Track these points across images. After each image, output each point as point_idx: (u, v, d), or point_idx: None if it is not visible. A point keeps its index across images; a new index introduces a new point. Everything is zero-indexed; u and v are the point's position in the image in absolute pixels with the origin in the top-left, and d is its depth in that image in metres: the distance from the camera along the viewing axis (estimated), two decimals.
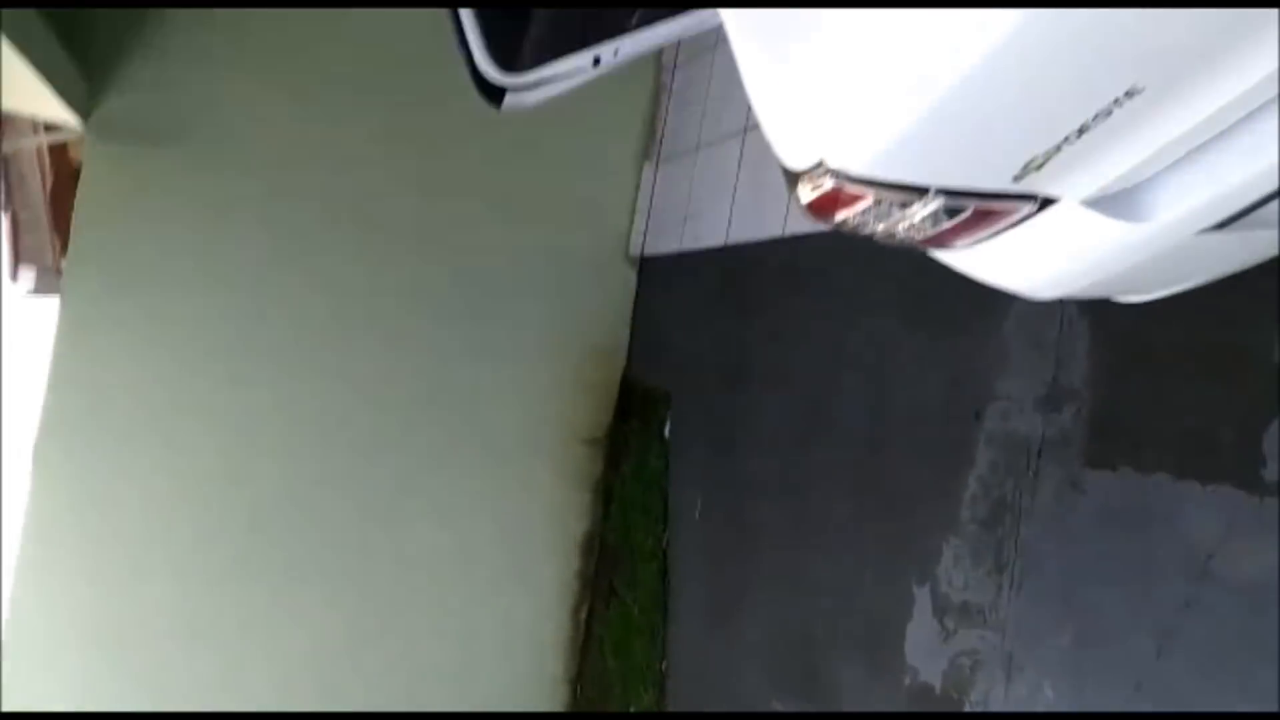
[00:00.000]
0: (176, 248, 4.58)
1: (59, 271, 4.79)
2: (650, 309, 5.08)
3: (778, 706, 3.43)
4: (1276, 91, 1.22)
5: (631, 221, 5.20)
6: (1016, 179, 1.35)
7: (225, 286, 4.63)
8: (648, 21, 2.66)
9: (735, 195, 4.22)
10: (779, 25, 1.51)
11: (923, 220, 1.45)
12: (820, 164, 1.40)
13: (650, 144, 5.19)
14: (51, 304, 4.58)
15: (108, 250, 4.51)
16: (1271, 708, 1.83)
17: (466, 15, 2.52)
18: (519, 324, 5.01)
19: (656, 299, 5.03)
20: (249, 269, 4.66)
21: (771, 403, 3.78)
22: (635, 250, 5.16)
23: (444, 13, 2.56)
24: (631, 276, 5.18)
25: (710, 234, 4.40)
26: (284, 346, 4.71)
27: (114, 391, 4.52)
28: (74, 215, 4.51)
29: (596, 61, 2.68)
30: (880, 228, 1.49)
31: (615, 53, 2.68)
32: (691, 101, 4.82)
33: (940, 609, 2.72)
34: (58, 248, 5.02)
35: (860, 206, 1.44)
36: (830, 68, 1.32)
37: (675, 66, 5.06)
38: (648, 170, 5.17)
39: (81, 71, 4.29)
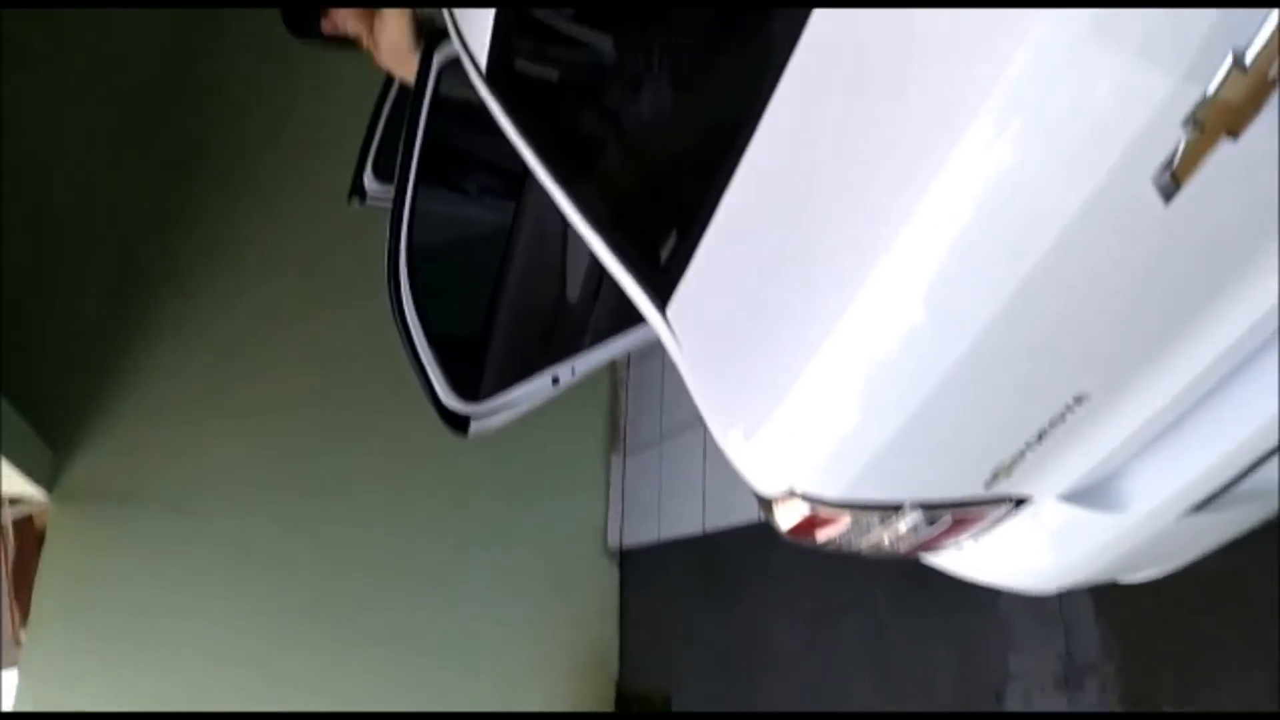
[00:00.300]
0: (141, 609, 4.39)
1: (18, 643, 4.56)
2: (637, 604, 4.89)
3: None
4: (1223, 374, 1.26)
5: (606, 514, 5.14)
6: (987, 485, 1.35)
7: (190, 637, 4.40)
8: (600, 339, 2.77)
9: (705, 482, 4.22)
10: (730, 356, 1.57)
11: (905, 533, 1.43)
12: (790, 490, 1.40)
13: (615, 437, 5.26)
14: (10, 677, 4.34)
15: (70, 619, 4.32)
16: None
17: (424, 352, 2.60)
18: (503, 643, 4.75)
19: (642, 593, 4.87)
20: (214, 613, 4.45)
21: (781, 698, 3.56)
22: (614, 543, 5.06)
23: (402, 350, 2.65)
24: (613, 571, 5.03)
25: (687, 522, 4.35)
26: (255, 693, 4.41)
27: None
28: (37, 584, 4.37)
29: (555, 381, 2.76)
30: (865, 544, 1.47)
31: (572, 371, 2.77)
32: (649, 395, 4.95)
33: None
34: (17, 619, 4.82)
35: (839, 527, 1.43)
36: (791, 402, 1.35)
37: (629, 364, 5.24)
38: (616, 462, 5.19)
39: (47, 443, 4.32)
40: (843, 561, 3.25)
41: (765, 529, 3.67)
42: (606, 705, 4.77)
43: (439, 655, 4.69)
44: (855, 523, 1.41)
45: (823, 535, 1.46)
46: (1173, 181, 1.01)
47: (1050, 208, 1.06)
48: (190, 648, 4.39)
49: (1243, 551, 1.93)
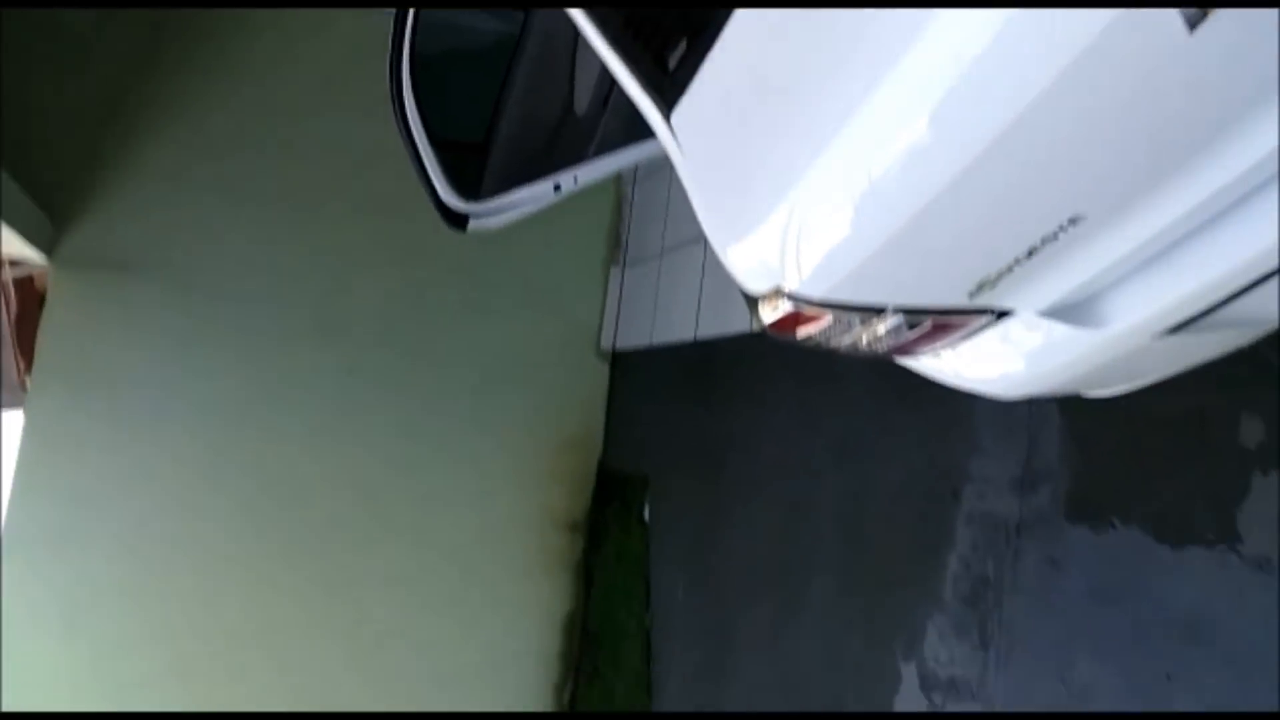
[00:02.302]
0: (140, 364, 4.58)
1: (24, 387, 4.77)
2: (624, 400, 5.11)
3: None
4: (1221, 208, 1.27)
5: (602, 319, 5.28)
6: (971, 296, 1.39)
7: (189, 399, 4.61)
8: (605, 150, 2.75)
9: (701, 294, 4.30)
10: (731, 160, 1.57)
11: (884, 334, 1.48)
12: (777, 289, 1.44)
13: (616, 249, 5.33)
14: (15, 418, 4.60)
15: (71, 368, 4.51)
16: None
17: (425, 150, 2.58)
18: (497, 419, 5.05)
19: (630, 390, 5.07)
20: (215, 379, 4.66)
21: (751, 486, 3.79)
22: (606, 345, 5.21)
23: (404, 149, 2.63)
24: (604, 370, 5.24)
25: (679, 330, 4.46)
26: (251, 452, 4.67)
27: (77, 501, 4.47)
28: (39, 337, 4.52)
29: (557, 188, 2.77)
30: (843, 342, 1.53)
31: (575, 180, 2.77)
32: (653, 212, 4.97)
33: (928, 685, 2.71)
34: (22, 366, 5.01)
35: (820, 325, 1.48)
36: (785, 207, 1.37)
37: (635, 181, 5.24)
38: (615, 272, 5.30)
39: (45, 210, 4.33)
40: (824, 369, 3.40)
41: (753, 338, 3.81)
42: (590, 476, 5.15)
43: (438, 423, 4.98)
44: (836, 322, 1.46)
45: (803, 332, 1.51)
46: (1200, 9, 0.98)
47: (1071, 29, 1.04)
48: (182, 406, 4.61)
49: (1209, 394, 2.03)
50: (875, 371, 3.12)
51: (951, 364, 1.61)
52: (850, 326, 1.48)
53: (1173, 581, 2.07)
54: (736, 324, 3.91)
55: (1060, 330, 1.43)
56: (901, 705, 2.79)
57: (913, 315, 1.44)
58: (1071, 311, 1.43)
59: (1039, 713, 2.27)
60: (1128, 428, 2.23)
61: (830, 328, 1.49)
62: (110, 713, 4.32)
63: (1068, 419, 2.38)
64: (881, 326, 1.46)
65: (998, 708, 2.47)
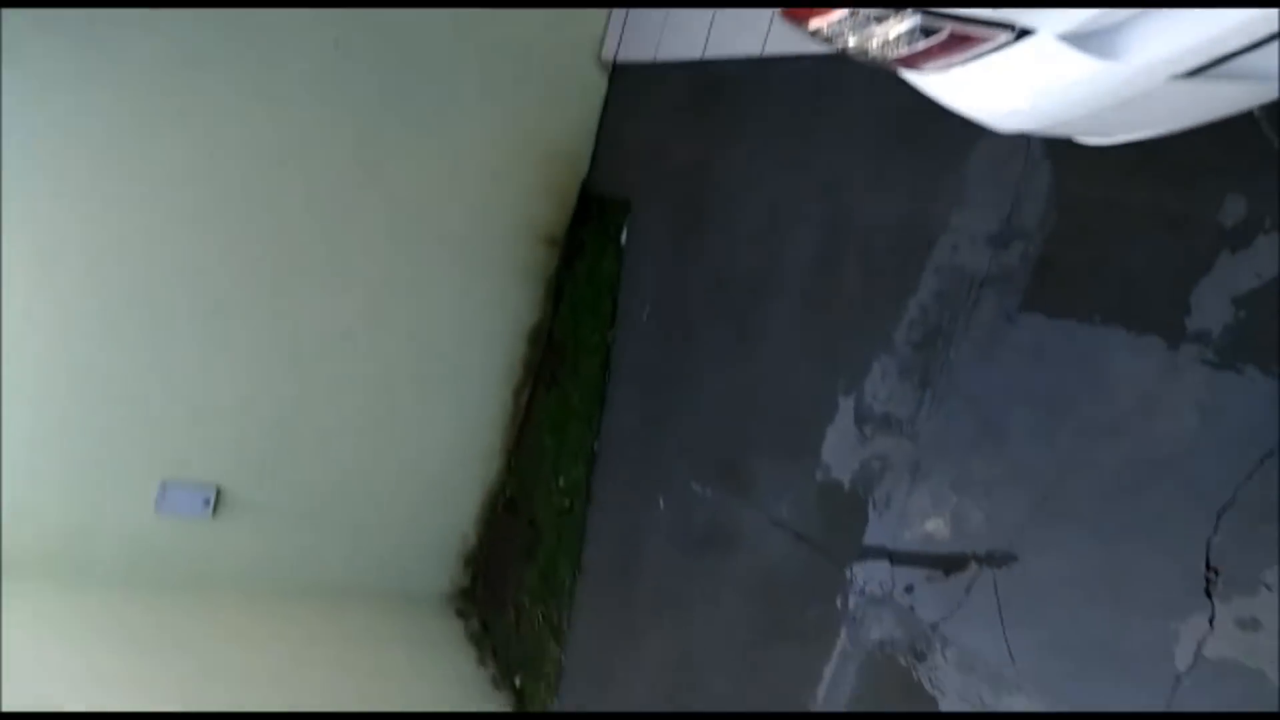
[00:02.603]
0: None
1: None
2: (618, 118, 4.96)
3: (695, 488, 3.64)
4: None
5: (607, 24, 4.99)
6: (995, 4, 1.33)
7: (168, 50, 4.33)
8: None
9: (716, 9, 4.06)
10: None
11: (897, 38, 1.43)
12: None
13: None
14: None
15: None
16: (1162, 532, 2.00)
17: None
18: (483, 121, 4.88)
19: (625, 109, 4.91)
20: (195, 37, 4.37)
21: (729, 217, 3.79)
22: (608, 56, 4.97)
23: None
24: (602, 83, 5.02)
25: (687, 47, 4.25)
26: (224, 120, 4.50)
27: (62, 138, 4.29)
28: None
29: None
30: (853, 41, 1.48)
31: None
32: None
33: (861, 417, 2.87)
34: None
35: (834, 17, 1.42)
36: None
37: None
38: None
39: None
40: (825, 102, 3.31)
41: (759, 64, 3.66)
42: (573, 193, 5.09)
43: (423, 119, 4.80)
44: (852, 15, 1.40)
45: (815, 23, 1.46)
46: None
47: None
48: (161, 73, 4.37)
49: (1201, 169, 2.00)
50: (876, 111, 3.05)
51: (958, 84, 1.56)
52: (866, 23, 1.42)
53: (1115, 348, 2.15)
54: (747, 46, 3.74)
55: (1077, 58, 1.39)
56: (834, 434, 2.97)
57: (931, 19, 1.38)
58: (1091, 40, 1.39)
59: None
60: (1113, 197, 2.23)
61: (845, 20, 1.43)
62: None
63: (1057, 184, 2.37)
64: (897, 28, 1.41)
65: (921, 444, 2.63)
